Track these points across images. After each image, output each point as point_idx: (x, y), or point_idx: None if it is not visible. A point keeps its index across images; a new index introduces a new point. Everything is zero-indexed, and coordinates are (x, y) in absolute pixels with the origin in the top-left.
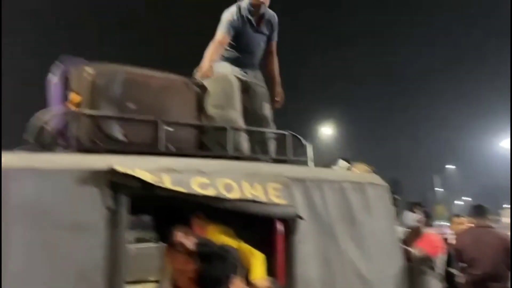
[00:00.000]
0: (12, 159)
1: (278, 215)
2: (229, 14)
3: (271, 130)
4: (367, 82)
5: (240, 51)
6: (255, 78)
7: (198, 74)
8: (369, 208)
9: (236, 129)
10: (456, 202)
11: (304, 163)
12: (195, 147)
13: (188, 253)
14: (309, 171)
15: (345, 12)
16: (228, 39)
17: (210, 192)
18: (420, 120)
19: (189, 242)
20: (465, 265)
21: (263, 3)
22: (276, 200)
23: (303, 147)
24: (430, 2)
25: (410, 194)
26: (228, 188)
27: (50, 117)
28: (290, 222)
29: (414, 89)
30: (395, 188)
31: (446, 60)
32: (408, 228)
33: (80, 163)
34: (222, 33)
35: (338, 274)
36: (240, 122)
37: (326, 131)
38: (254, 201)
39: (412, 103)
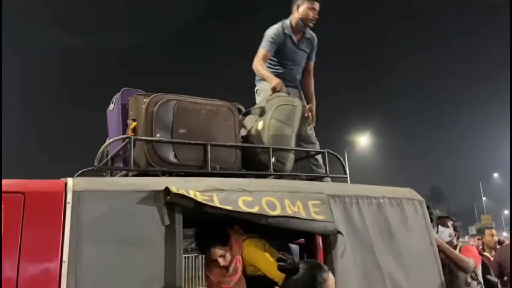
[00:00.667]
0: (82, 182)
1: (318, 231)
2: (272, 30)
3: (310, 150)
4: (406, 95)
5: (281, 66)
6: (295, 95)
7: (271, 90)
8: (406, 222)
9: (277, 149)
10: (506, 211)
11: (343, 179)
12: (239, 167)
13: (224, 267)
14: (347, 188)
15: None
16: (269, 55)
17: (254, 209)
18: (466, 129)
19: (224, 260)
20: (506, 278)
21: (312, 21)
22: (315, 216)
23: (341, 163)
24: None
25: (456, 203)
26: (271, 205)
27: (111, 143)
28: (329, 237)
29: (456, 99)
30: (439, 198)
31: (489, 68)
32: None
33: (140, 184)
34: (264, 49)
35: (377, 285)
36: (293, 142)
37: (365, 142)
38: (294, 217)
39: (456, 112)
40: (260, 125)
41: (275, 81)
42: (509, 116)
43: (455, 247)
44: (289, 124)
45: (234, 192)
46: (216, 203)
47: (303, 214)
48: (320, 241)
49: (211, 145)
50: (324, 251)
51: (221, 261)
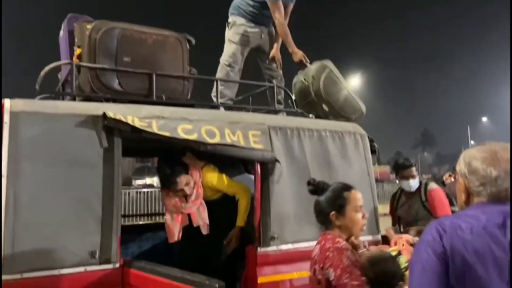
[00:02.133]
0: (20, 103)
1: (256, 158)
2: None
3: (257, 83)
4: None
5: (257, 8)
6: (268, 34)
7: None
8: (346, 154)
9: (223, 80)
10: None
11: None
12: (186, 98)
13: (185, 195)
14: (291, 120)
15: None
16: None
17: (192, 136)
18: (455, 72)
19: (189, 188)
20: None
21: None
22: (254, 145)
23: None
24: None
25: (445, 146)
26: (210, 133)
27: (51, 68)
28: (267, 165)
29: (449, 41)
30: (430, 141)
31: (482, 14)
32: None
33: (80, 109)
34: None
35: (311, 211)
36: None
37: (355, 83)
38: (233, 146)
39: (445, 55)
40: None
41: (299, 54)
42: (502, 60)
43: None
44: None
45: (174, 120)
46: (154, 129)
47: (242, 143)
48: (258, 168)
49: (157, 75)
50: (262, 177)
51: (186, 189)
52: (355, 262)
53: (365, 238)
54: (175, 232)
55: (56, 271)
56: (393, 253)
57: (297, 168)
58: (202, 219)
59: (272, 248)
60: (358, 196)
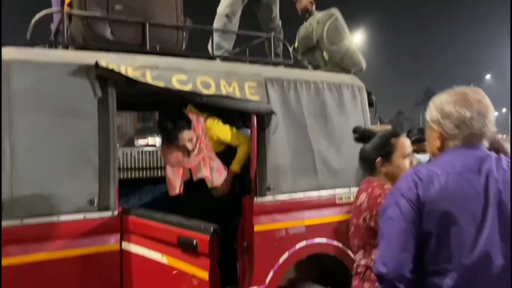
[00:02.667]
0: (12, 52)
1: (251, 110)
2: None
3: (255, 33)
4: None
5: None
6: None
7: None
8: (342, 106)
9: (219, 31)
10: (495, 113)
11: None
12: (181, 48)
13: (187, 151)
14: (287, 72)
15: None
16: None
17: (187, 87)
18: (458, 26)
19: (191, 143)
20: None
21: None
22: (250, 97)
23: (287, 48)
24: None
25: None
26: (205, 84)
27: (41, 17)
28: (263, 117)
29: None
30: (431, 98)
31: None
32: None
33: (73, 58)
34: None
35: (307, 162)
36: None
37: (358, 39)
38: (229, 97)
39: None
40: None
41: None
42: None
43: None
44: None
45: (168, 71)
46: (148, 80)
47: (237, 95)
48: (254, 119)
49: (150, 24)
50: (258, 129)
51: (189, 145)
52: None
53: None
54: (176, 185)
55: (56, 217)
56: None
57: (293, 120)
58: (204, 172)
59: (268, 198)
60: (406, 143)
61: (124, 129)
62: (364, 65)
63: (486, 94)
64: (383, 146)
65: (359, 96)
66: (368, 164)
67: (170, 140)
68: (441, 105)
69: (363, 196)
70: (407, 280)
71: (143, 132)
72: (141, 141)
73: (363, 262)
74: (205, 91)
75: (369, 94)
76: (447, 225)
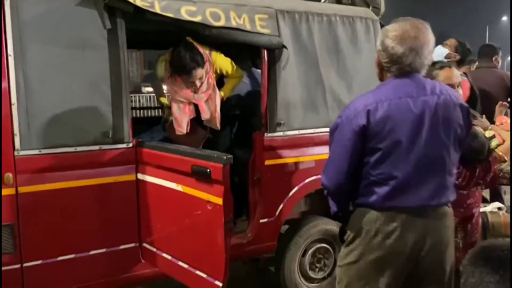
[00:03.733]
0: None
1: (262, 44)
2: None
3: None
4: None
5: None
6: None
7: None
8: (356, 41)
9: None
10: (509, 58)
11: None
12: None
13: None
14: (299, 4)
15: None
16: None
17: (197, 18)
18: None
19: (201, 80)
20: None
21: None
22: (261, 30)
23: None
24: None
25: None
26: (215, 16)
27: None
28: (274, 51)
29: None
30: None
31: None
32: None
33: None
34: None
35: (318, 98)
36: None
37: None
38: (239, 29)
39: None
40: None
41: None
42: None
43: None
44: None
45: (177, 1)
46: (157, 10)
47: (248, 27)
48: (265, 54)
49: None
50: (268, 64)
51: (198, 83)
52: None
53: None
54: (184, 125)
55: (73, 148)
56: (488, 135)
57: (304, 55)
58: (212, 110)
59: (278, 134)
60: (449, 75)
61: (131, 76)
62: (383, 7)
63: (501, 36)
64: (425, 76)
65: (373, 30)
66: None
67: (182, 74)
68: (383, 38)
69: None
70: (346, 190)
71: (150, 79)
72: (148, 89)
73: None
74: (215, 23)
75: (383, 27)
76: (390, 141)
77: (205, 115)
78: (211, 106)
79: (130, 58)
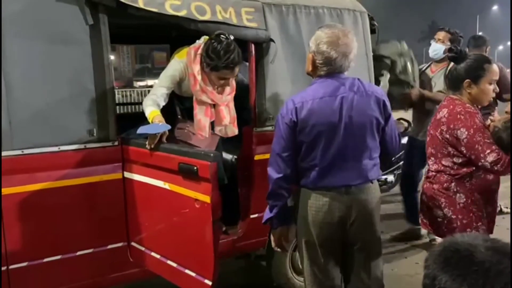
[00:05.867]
0: None
1: (249, 38)
2: None
3: None
4: None
5: None
6: None
7: None
8: None
9: None
10: (500, 47)
11: None
12: None
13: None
14: None
15: None
16: None
17: (181, 13)
18: None
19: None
20: None
21: None
22: (247, 24)
23: None
24: None
25: None
26: (200, 10)
27: None
28: (262, 45)
29: None
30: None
31: None
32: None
33: None
34: None
35: None
36: None
37: None
38: (225, 23)
39: None
40: None
41: None
42: None
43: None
44: None
45: None
46: (140, 5)
47: (234, 21)
48: (252, 48)
49: None
50: (256, 58)
51: (233, 82)
52: (485, 125)
53: None
54: (207, 129)
55: (56, 147)
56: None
57: (293, 48)
58: (231, 116)
59: (268, 128)
60: (496, 70)
61: (122, 70)
62: None
63: (491, 26)
64: (475, 69)
65: (361, 22)
66: (455, 83)
67: (223, 69)
68: (318, 42)
69: (444, 111)
70: (290, 178)
71: (142, 74)
72: (140, 83)
73: (434, 167)
74: (200, 17)
75: (371, 19)
76: (314, 135)
77: (225, 120)
78: (230, 111)
79: (121, 52)
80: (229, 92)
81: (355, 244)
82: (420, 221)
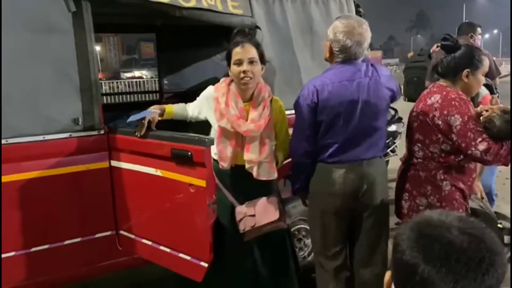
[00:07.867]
0: None
1: (235, 25)
2: None
3: None
4: None
5: None
6: None
7: None
8: (330, 21)
9: None
10: (486, 35)
11: None
12: None
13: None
14: None
15: None
16: None
17: (166, 0)
18: None
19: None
20: None
21: None
22: (233, 11)
23: None
24: None
25: (439, 29)
26: None
27: None
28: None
29: None
30: (424, 23)
31: None
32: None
33: None
34: None
35: (294, 79)
36: None
37: None
38: (211, 10)
39: None
40: None
41: None
42: None
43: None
44: None
45: None
46: None
47: (220, 8)
48: None
49: None
50: None
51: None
52: (477, 113)
53: None
54: (229, 161)
55: (41, 137)
56: None
57: (279, 36)
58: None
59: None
60: (488, 62)
61: (109, 61)
62: None
63: (477, 15)
64: (473, 59)
65: (347, 10)
66: (453, 71)
67: (232, 50)
68: (335, 31)
69: (437, 97)
70: (310, 153)
71: (129, 65)
72: (127, 74)
73: (420, 154)
74: (185, 4)
75: (357, 6)
76: (333, 116)
77: (250, 154)
78: (261, 149)
79: (108, 43)
80: (257, 119)
81: (364, 212)
82: (395, 210)
